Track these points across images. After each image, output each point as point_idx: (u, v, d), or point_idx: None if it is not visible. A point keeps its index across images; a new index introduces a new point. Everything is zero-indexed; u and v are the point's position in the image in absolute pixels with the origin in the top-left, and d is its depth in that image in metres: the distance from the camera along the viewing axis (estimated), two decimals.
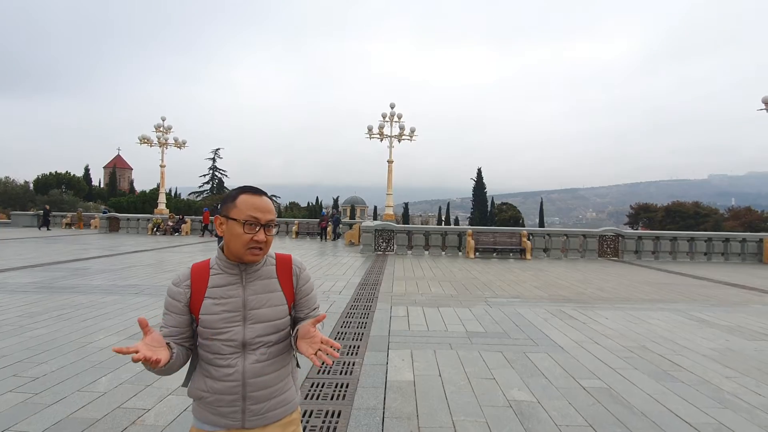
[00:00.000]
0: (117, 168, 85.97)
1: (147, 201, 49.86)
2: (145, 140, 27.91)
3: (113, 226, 25.80)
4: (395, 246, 15.73)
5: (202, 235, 24.14)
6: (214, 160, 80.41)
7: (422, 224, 54.80)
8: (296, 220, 24.61)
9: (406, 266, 11.78)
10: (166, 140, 28.21)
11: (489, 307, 6.74)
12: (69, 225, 28.18)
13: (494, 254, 15.50)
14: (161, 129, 28.05)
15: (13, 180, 60.37)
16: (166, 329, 1.37)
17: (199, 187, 79.58)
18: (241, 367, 1.33)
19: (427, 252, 15.71)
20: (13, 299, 6.38)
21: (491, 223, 63.74)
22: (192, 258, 12.43)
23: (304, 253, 14.81)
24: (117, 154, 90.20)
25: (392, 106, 20.12)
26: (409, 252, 15.70)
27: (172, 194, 69.35)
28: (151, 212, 28.91)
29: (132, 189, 78.87)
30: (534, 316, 6.14)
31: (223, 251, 1.40)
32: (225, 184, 79.87)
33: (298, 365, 1.56)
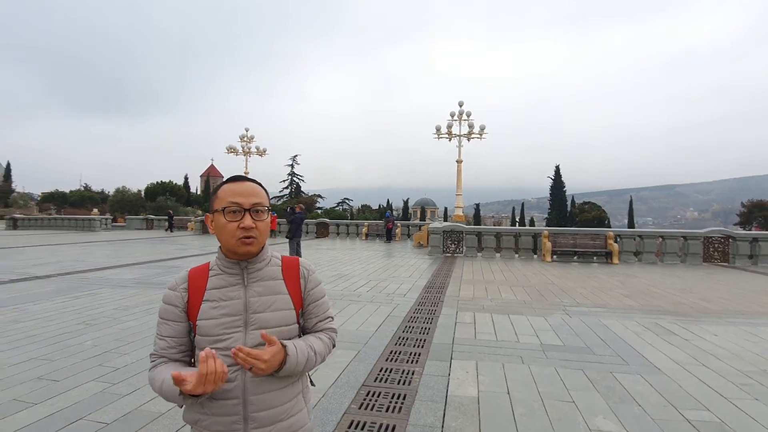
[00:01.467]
0: (210, 176, 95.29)
1: None
2: (231, 150, 30.50)
3: (206, 228, 28.49)
4: (464, 248, 15.16)
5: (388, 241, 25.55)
6: (292, 166, 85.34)
7: (494, 225, 52.70)
8: (366, 222, 24.98)
9: (475, 269, 11.23)
10: (249, 149, 30.52)
11: (568, 316, 6.07)
12: (169, 229, 31.62)
13: (574, 258, 14.21)
14: (245, 139, 30.43)
15: (128, 189, 69.80)
16: (162, 341, 1.25)
17: (279, 192, 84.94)
18: (241, 381, 1.18)
19: (498, 254, 14.90)
20: (114, 293, 7.16)
21: (571, 224, 59.27)
22: None
23: (371, 254, 14.89)
24: (211, 164, 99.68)
25: (460, 105, 19.51)
26: (479, 254, 15.02)
27: None
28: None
29: None
30: (623, 330, 5.38)
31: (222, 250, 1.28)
32: (302, 189, 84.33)
33: (311, 383, 1.40)
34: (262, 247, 1.30)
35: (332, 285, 8.31)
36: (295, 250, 10.33)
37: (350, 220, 36.72)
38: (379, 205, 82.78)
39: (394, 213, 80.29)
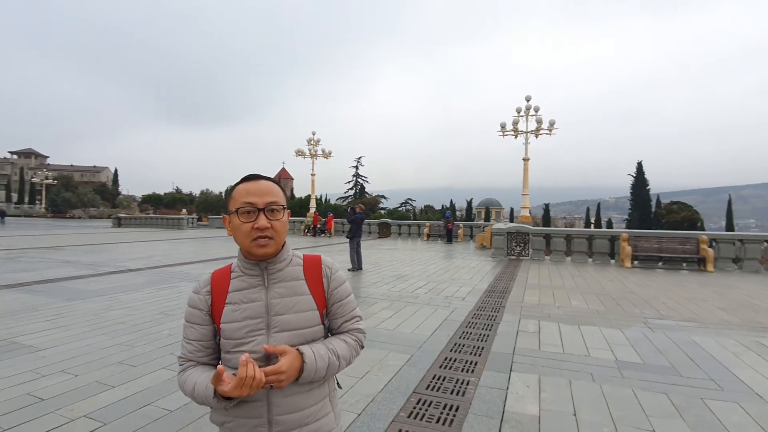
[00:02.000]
0: (282, 179, 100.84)
1: (302, 206, 57.08)
2: (299, 153, 32.11)
3: (314, 228, 29.88)
4: (530, 250, 14.34)
5: (313, 235, 26.43)
6: (356, 167, 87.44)
7: (566, 227, 49.33)
8: (428, 223, 24.74)
9: (542, 273, 10.54)
10: (315, 152, 31.86)
11: (650, 330, 5.42)
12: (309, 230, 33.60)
13: (659, 264, 12.77)
14: (312, 142, 31.82)
15: (211, 191, 76.40)
16: (189, 345, 1.24)
17: (345, 193, 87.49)
18: None
19: (569, 258, 13.87)
20: (190, 286, 7.77)
21: (656, 226, 53.65)
22: (314, 252, 13.43)
23: (432, 255, 14.66)
24: (282, 167, 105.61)
25: (528, 99, 18.52)
26: (547, 258, 14.11)
27: (322, 200, 77.86)
28: (304, 216, 32.83)
29: (293, 196, 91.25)
30: (717, 349, 4.67)
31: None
32: (366, 190, 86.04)
33: (338, 385, 1.37)
34: (282, 247, 1.27)
35: (390, 286, 8.28)
36: (355, 250, 10.46)
37: (412, 220, 36.64)
38: (442, 206, 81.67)
39: (457, 214, 78.83)
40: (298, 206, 57.83)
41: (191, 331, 1.24)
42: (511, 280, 9.26)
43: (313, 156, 31.85)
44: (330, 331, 1.33)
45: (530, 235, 14.43)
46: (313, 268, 1.31)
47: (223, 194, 74.79)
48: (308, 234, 27.04)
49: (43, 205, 65.38)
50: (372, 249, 16.92)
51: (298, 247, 17.08)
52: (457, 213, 79.94)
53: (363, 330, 1.37)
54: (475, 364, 4.04)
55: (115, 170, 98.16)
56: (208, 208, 64.95)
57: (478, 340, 4.83)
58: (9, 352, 4.12)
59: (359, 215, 10.92)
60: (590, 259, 13.64)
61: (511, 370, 3.91)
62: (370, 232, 26.53)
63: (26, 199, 73.91)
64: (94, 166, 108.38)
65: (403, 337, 4.88)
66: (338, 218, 28.61)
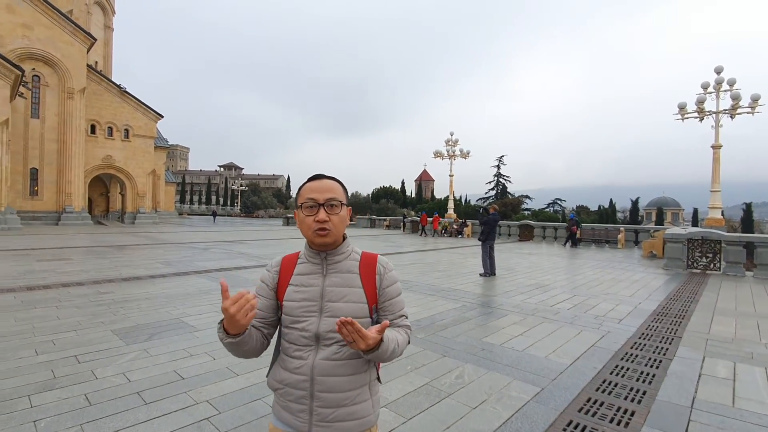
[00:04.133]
0: (423, 180, 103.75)
1: (441, 207, 57.44)
2: (438, 154, 32.33)
3: (415, 227, 30.92)
4: (722, 263, 11.12)
5: (420, 234, 27.01)
6: (498, 167, 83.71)
7: None
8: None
9: (741, 295, 7.98)
10: (453, 152, 31.58)
11: None
12: (388, 227, 35.60)
13: None
14: (450, 143, 31.62)
15: (360, 193, 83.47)
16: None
17: (485, 193, 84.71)
18: (311, 361, 1.31)
19: None
20: None
21: None
22: (451, 257, 12.95)
23: (582, 263, 12.68)
24: (423, 169, 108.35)
25: (718, 71, 14.56)
26: (749, 273, 10.74)
27: (462, 201, 76.97)
28: (443, 217, 32.79)
29: (433, 197, 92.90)
30: None
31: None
32: (508, 190, 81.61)
33: (378, 380, 1.46)
34: (343, 240, 1.41)
35: (525, 296, 7.33)
36: (488, 254, 9.70)
37: (560, 222, 33.05)
38: (599, 206, 71.58)
39: (619, 215, 67.98)
40: (437, 207, 58.34)
41: (258, 301, 1.34)
42: (691, 302, 7.23)
43: (452, 157, 31.61)
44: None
45: (722, 243, 11.21)
46: (368, 265, 1.41)
47: (370, 196, 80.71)
48: (444, 235, 26.80)
49: (238, 207, 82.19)
50: (509, 253, 15.65)
51: (432, 248, 16.95)
52: (619, 215, 69.02)
53: (410, 327, 1.45)
54: (632, 415, 3.07)
55: (288, 177, 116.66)
56: (357, 208, 70.92)
57: (638, 380, 3.74)
58: (174, 329, 4.89)
59: (492, 216, 10.09)
60: None
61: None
62: (509, 235, 24.82)
63: (228, 202, 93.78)
64: (273, 175, 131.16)
65: (533, 362, 4.11)
66: (474, 219, 27.64)
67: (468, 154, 31.37)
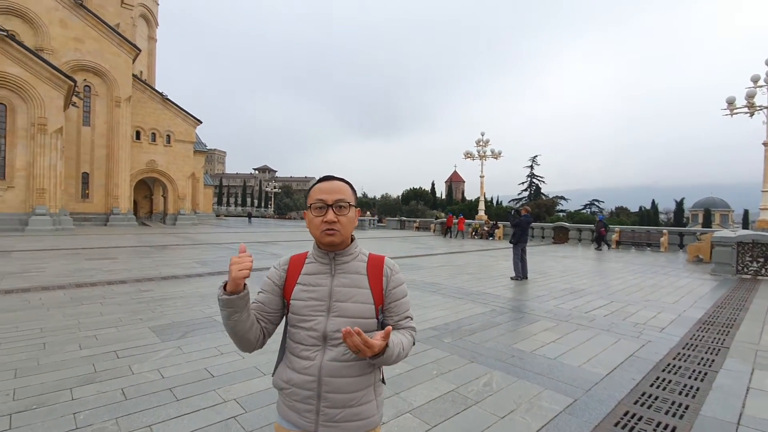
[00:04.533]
0: (453, 182, 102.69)
1: (472, 208, 56.58)
2: (468, 155, 31.85)
3: (444, 229, 30.62)
4: None
5: (445, 236, 27.19)
6: (531, 167, 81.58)
7: None
8: (618, 228, 20.85)
9: None
10: (484, 153, 31.01)
11: None
12: (418, 228, 35.46)
13: None
14: (480, 143, 31.07)
15: (389, 195, 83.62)
16: (254, 304, 1.44)
17: (518, 194, 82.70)
18: (319, 361, 1.32)
19: None
20: None
21: None
22: (481, 260, 12.65)
23: (620, 267, 12.09)
24: (454, 170, 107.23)
25: None
26: None
27: (493, 202, 75.49)
28: (473, 218, 32.28)
29: (463, 198, 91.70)
30: None
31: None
32: (542, 191, 79.32)
33: (383, 381, 1.48)
34: (351, 241, 1.44)
35: (559, 301, 7.06)
36: (519, 257, 9.43)
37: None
38: (640, 207, 68.24)
39: (662, 217, 64.57)
40: (468, 209, 57.43)
41: (261, 295, 1.46)
42: (740, 309, 6.73)
43: (482, 157, 31.04)
44: (383, 327, 1.42)
45: None
46: (375, 267, 1.43)
47: (399, 197, 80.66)
48: (475, 237, 26.35)
49: (272, 209, 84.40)
50: (543, 256, 15.17)
51: (462, 250, 16.71)
52: (662, 216, 65.51)
53: (415, 328, 1.47)
54: (673, 431, 2.88)
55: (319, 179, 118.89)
56: (387, 210, 71.06)
57: (680, 393, 3.50)
58: (206, 327, 5.05)
59: (524, 218, 9.79)
60: None
61: None
62: (543, 237, 24.10)
63: (262, 204, 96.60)
64: (305, 177, 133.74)
65: (566, 371, 3.94)
66: (505, 221, 27.00)
67: (499, 154, 30.71)
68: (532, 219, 9.84)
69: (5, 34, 21.58)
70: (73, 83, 24.34)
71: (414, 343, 1.44)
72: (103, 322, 5.19)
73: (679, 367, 4.09)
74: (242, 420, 2.87)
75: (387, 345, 1.24)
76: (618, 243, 20.10)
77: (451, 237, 26.77)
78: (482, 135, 30.88)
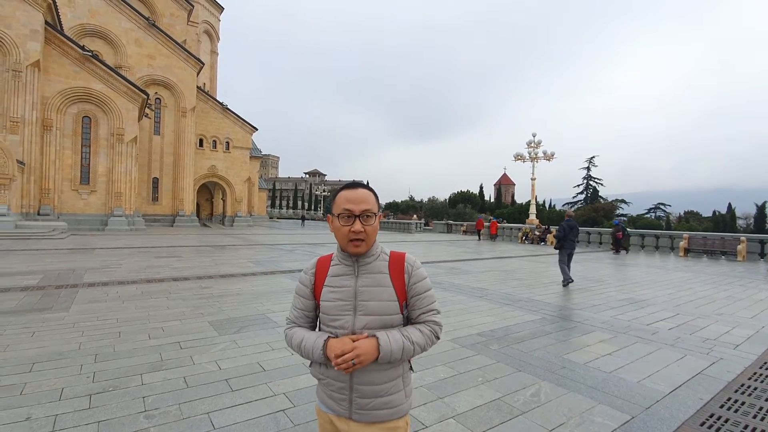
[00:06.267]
0: (502, 184, 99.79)
1: (522, 212, 54.61)
2: (519, 157, 30.85)
3: (476, 232, 29.91)
4: None
5: (479, 239, 27.31)
6: (588, 169, 77.41)
7: None
8: (686, 234, 19.17)
9: None
10: (536, 155, 29.88)
11: None
12: (465, 232, 34.90)
13: None
14: (532, 144, 29.97)
15: (437, 198, 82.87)
16: (295, 312, 1.56)
17: (573, 197, 78.69)
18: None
19: None
20: None
21: None
22: (531, 265, 12.12)
23: (689, 277, 11.11)
24: (503, 173, 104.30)
25: None
26: None
27: (546, 206, 72.37)
28: (524, 223, 31.18)
29: (513, 201, 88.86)
30: None
31: None
32: (600, 193, 74.87)
33: (411, 369, 1.55)
34: (371, 246, 1.50)
35: (616, 312, 6.65)
36: (563, 262, 9.18)
37: (664, 230, 29.40)
38: (714, 212, 62.21)
39: (740, 222, 58.42)
40: (518, 212, 55.59)
41: (297, 301, 1.57)
42: None
43: (534, 159, 29.91)
44: (409, 321, 1.51)
45: None
46: (397, 264, 1.49)
47: (447, 201, 79.73)
48: (525, 242, 25.43)
49: (321, 211, 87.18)
50: (599, 263, 14.33)
51: (511, 255, 16.19)
52: (741, 222, 59.29)
53: (439, 322, 1.51)
54: None
55: (367, 182, 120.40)
56: (434, 213, 70.49)
57: (754, 417, 3.17)
58: (259, 324, 5.32)
59: (567, 223, 9.58)
60: None
61: None
62: (600, 243, 22.74)
63: (312, 207, 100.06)
64: (353, 181, 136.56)
65: (622, 386, 3.71)
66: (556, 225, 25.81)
67: (552, 156, 29.44)
68: (575, 224, 9.65)
69: (90, 54, 24.13)
70: (146, 96, 26.65)
71: (437, 337, 1.50)
72: (169, 315, 5.64)
73: (755, 389, 3.71)
74: (290, 414, 3.01)
75: (379, 343, 1.36)
76: (686, 251, 18.48)
77: (480, 240, 27.08)
78: (533, 136, 29.79)
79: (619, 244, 19.28)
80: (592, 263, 14.24)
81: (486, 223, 28.98)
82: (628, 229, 21.26)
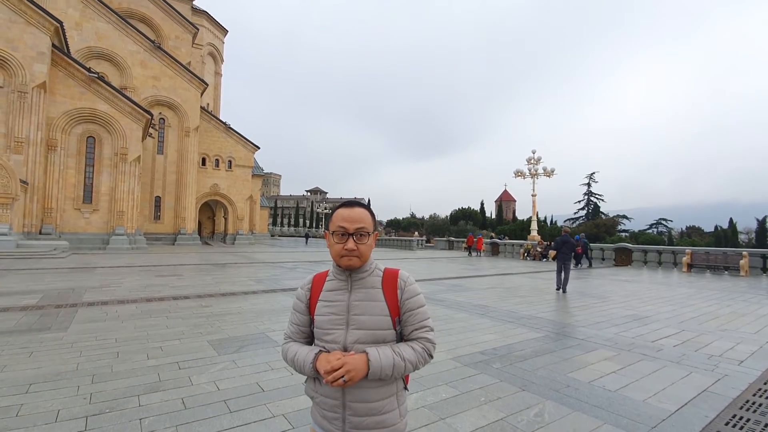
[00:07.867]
0: (503, 201, 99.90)
1: (524, 228, 54.58)
2: (519, 174, 31.04)
3: (495, 250, 29.81)
4: None
5: (469, 255, 28.29)
6: (588, 185, 77.67)
7: None
8: (689, 249, 19.08)
9: None
10: (536, 171, 30.06)
11: None
12: (466, 248, 34.69)
13: None
14: (532, 161, 30.19)
15: (437, 215, 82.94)
16: (292, 327, 1.59)
17: (574, 213, 78.69)
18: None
19: None
20: None
21: None
22: (533, 282, 12.02)
23: (692, 293, 11.02)
24: (504, 189, 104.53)
25: None
26: None
27: (547, 222, 72.30)
28: (525, 239, 31.11)
29: (515, 218, 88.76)
30: None
31: None
32: (601, 209, 74.88)
33: (405, 388, 1.53)
34: (365, 262, 1.51)
35: (620, 329, 6.58)
36: (559, 271, 9.92)
37: (666, 245, 29.31)
38: (716, 227, 62.07)
39: (742, 237, 58.21)
40: (519, 228, 55.51)
41: (293, 316, 1.59)
42: None
43: (534, 175, 30.09)
44: (402, 337, 1.50)
45: None
46: (390, 280, 1.51)
47: (448, 218, 79.76)
48: (527, 258, 25.32)
49: (323, 229, 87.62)
50: (602, 279, 14.24)
51: (513, 272, 16.10)
52: (743, 236, 59.09)
53: (432, 340, 1.50)
54: None
55: (368, 200, 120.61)
56: (435, 230, 70.47)
57: None
58: (259, 343, 5.27)
59: (561, 238, 10.82)
60: None
61: None
62: (603, 259, 22.64)
63: (314, 224, 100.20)
64: (355, 198, 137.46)
65: (628, 405, 3.65)
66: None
67: (552, 172, 29.63)
68: (569, 239, 10.93)
69: (96, 76, 24.62)
70: (150, 117, 27.04)
71: (430, 355, 1.48)
72: (168, 335, 5.60)
73: (760, 405, 3.64)
74: None
75: (369, 359, 1.36)
76: (689, 266, 18.36)
77: (471, 255, 27.84)
78: (533, 153, 30.05)
79: (579, 259, 20.30)
80: (594, 279, 14.16)
81: (476, 240, 29.65)
82: (590, 244, 22.51)
